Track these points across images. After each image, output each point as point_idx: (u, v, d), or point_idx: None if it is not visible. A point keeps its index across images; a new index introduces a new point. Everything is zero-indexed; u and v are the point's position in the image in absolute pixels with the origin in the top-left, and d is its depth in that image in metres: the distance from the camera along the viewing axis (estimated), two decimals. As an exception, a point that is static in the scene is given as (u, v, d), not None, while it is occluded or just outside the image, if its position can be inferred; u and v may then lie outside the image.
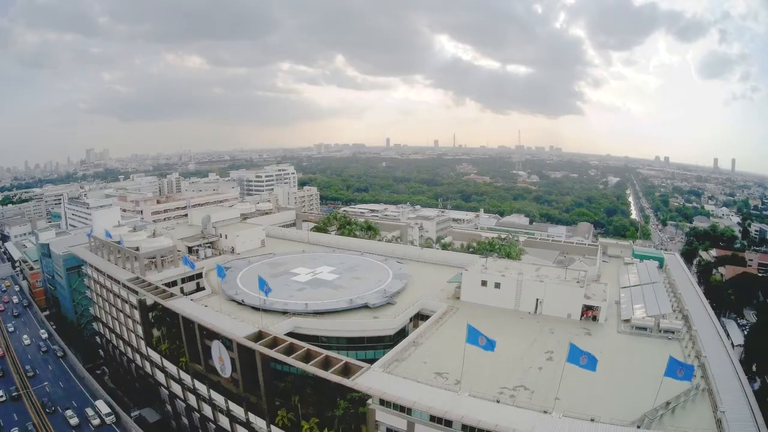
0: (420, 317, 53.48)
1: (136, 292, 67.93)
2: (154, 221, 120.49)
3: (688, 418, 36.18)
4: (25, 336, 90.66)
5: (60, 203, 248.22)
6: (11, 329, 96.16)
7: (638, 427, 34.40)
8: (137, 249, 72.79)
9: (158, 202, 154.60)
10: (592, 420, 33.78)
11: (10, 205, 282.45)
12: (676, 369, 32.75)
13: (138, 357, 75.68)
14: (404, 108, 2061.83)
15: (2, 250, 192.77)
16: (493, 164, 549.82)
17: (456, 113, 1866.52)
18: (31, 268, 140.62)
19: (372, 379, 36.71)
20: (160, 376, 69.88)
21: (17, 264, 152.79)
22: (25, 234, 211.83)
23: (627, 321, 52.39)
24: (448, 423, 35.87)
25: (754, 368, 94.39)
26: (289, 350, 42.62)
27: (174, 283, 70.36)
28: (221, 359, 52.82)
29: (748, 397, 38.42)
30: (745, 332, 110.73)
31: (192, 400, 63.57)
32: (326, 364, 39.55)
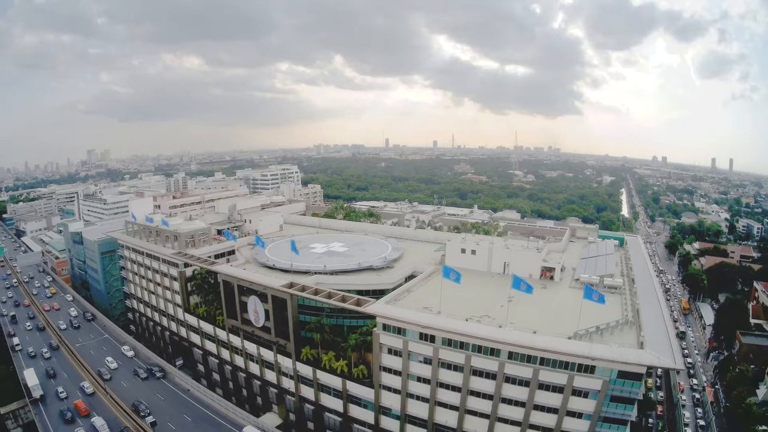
0: (412, 276, 68.28)
1: (177, 265, 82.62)
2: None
3: (615, 339, 50.51)
4: (108, 358, 74.94)
5: (72, 201, 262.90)
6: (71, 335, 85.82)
7: (569, 338, 49.12)
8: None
9: (174, 197, 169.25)
10: (534, 332, 48.55)
11: (21, 203, 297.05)
12: (592, 294, 47.58)
13: (174, 324, 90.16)
14: (403, 108, 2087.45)
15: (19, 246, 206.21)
16: (490, 164, 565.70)
17: (455, 113, 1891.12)
18: (57, 258, 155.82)
19: (377, 308, 51.59)
20: (195, 338, 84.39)
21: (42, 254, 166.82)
22: (40, 229, 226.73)
23: (578, 279, 67.14)
24: (432, 339, 50.73)
25: (723, 344, 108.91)
26: (315, 294, 57.40)
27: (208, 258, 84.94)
28: (256, 311, 67.34)
29: (669, 332, 52.27)
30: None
31: (225, 354, 78.12)
32: (343, 299, 54.35)
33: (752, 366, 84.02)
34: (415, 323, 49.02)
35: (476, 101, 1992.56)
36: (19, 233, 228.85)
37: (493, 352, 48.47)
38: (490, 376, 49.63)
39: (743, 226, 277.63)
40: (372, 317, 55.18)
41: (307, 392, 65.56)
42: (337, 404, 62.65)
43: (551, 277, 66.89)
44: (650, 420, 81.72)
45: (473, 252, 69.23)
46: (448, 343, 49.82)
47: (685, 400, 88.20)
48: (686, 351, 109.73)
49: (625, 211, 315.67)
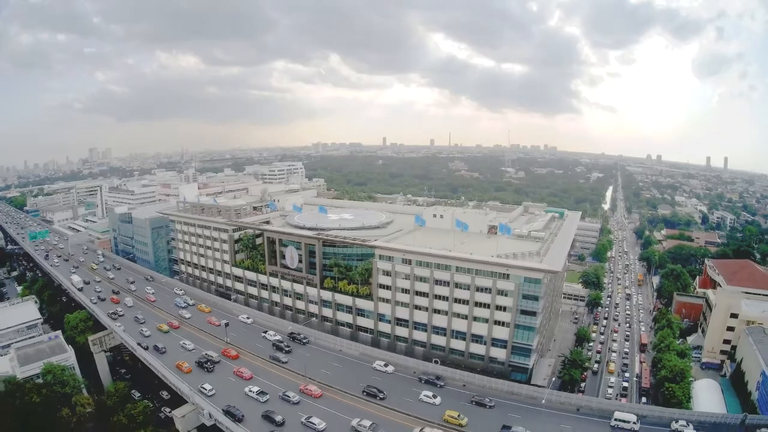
0: (399, 232, 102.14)
1: (227, 230, 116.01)
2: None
3: (525, 261, 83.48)
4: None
5: (93, 194, 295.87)
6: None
7: (491, 256, 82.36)
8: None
9: (198, 188, 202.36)
10: (471, 254, 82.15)
11: (40, 197, 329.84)
12: (503, 228, 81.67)
13: (220, 278, 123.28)
14: (400, 107, 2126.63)
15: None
16: (485, 162, 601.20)
17: (452, 112, 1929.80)
18: (98, 238, 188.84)
19: (377, 243, 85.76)
20: (239, 286, 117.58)
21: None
22: (66, 218, 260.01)
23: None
24: (409, 261, 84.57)
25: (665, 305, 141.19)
26: (335, 238, 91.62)
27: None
28: (292, 257, 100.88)
29: (561, 258, 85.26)
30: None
31: (264, 294, 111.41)
32: (354, 240, 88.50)
33: (686, 320, 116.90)
34: (400, 250, 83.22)
35: (473, 99, 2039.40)
36: (47, 222, 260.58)
37: (447, 267, 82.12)
38: (445, 283, 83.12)
39: (717, 218, 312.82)
40: (371, 255, 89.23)
41: (327, 312, 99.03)
42: (348, 318, 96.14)
43: (495, 233, 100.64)
44: (589, 352, 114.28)
45: (441, 216, 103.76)
46: (419, 263, 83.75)
47: (617, 338, 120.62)
48: (629, 309, 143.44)
49: (608, 204, 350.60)
